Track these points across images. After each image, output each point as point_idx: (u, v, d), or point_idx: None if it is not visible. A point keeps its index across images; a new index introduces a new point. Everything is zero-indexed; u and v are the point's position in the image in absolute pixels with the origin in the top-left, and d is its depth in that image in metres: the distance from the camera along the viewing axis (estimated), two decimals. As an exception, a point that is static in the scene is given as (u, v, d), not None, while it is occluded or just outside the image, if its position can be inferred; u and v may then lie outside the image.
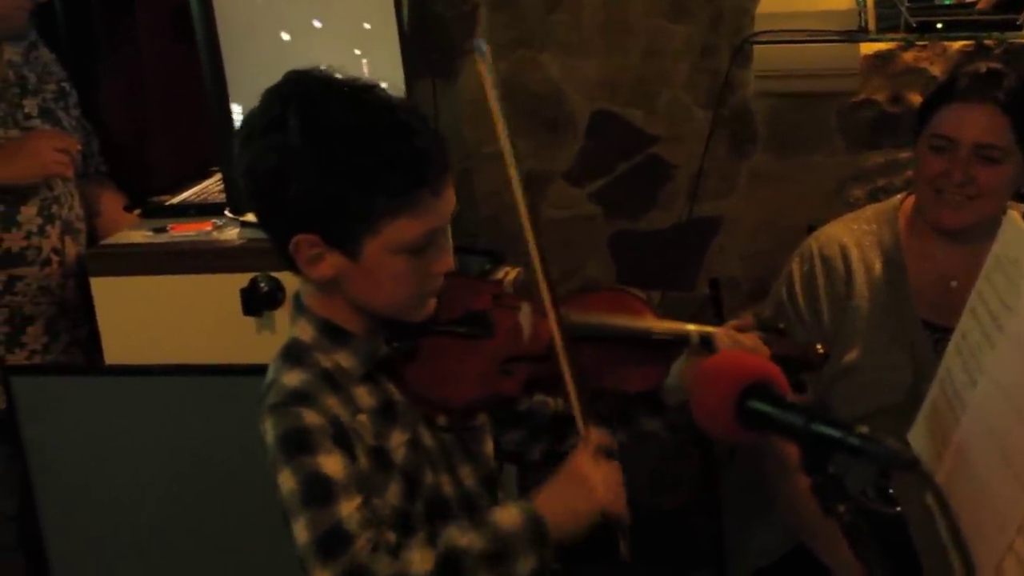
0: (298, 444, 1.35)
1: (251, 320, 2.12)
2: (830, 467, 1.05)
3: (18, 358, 2.41)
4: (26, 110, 2.42)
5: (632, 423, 1.62)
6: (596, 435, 1.43)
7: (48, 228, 2.41)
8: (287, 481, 1.34)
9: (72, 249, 2.47)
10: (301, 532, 1.32)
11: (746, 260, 3.05)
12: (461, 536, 1.35)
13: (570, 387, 1.45)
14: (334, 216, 1.35)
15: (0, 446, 2.38)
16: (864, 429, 1.03)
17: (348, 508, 1.32)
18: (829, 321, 2.10)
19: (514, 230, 2.94)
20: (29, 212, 2.38)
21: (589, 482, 1.38)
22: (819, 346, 1.62)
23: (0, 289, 2.37)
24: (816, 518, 1.21)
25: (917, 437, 1.56)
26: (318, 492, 1.32)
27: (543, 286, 1.46)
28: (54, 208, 2.42)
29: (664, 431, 1.61)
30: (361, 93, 1.38)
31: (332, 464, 1.34)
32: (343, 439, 1.37)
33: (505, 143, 1.45)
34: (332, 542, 1.31)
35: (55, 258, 2.43)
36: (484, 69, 1.45)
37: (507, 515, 1.37)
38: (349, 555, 1.30)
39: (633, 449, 1.65)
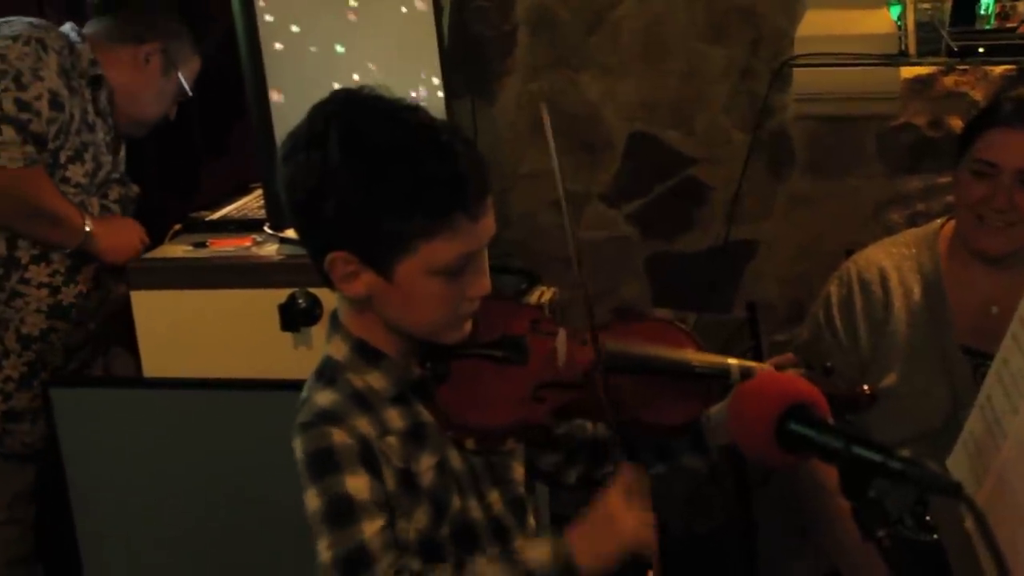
0: (325, 463, 1.35)
1: (288, 336, 2.14)
2: (871, 491, 1.04)
3: (22, 401, 2.45)
4: (107, 192, 2.51)
5: (672, 457, 1.60)
6: (630, 472, 1.41)
7: (93, 295, 2.48)
8: (312, 500, 1.35)
9: (100, 318, 2.54)
10: (324, 551, 1.32)
11: (783, 283, 3.03)
12: (488, 568, 1.35)
13: (609, 417, 1.43)
14: (369, 235, 1.35)
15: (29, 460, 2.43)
16: (906, 453, 1.02)
17: (371, 529, 1.32)
18: (867, 345, 2.08)
19: (549, 251, 2.97)
20: (87, 273, 2.45)
21: (619, 523, 1.37)
22: (866, 387, 1.59)
23: (37, 335, 2.42)
24: (853, 543, 1.20)
25: (956, 464, 1.54)
26: (342, 511, 1.33)
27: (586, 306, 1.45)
28: (102, 276, 2.49)
29: (705, 469, 1.60)
30: (403, 113, 1.37)
31: (357, 484, 1.34)
32: (370, 459, 1.37)
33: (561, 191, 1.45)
34: (354, 562, 1.31)
35: (89, 324, 2.51)
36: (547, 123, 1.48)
37: (537, 550, 1.37)
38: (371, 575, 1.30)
39: (668, 474, 1.64)
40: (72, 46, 2.39)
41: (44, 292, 2.39)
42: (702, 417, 1.54)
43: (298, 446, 1.38)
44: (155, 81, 2.55)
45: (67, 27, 2.47)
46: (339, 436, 1.36)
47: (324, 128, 1.35)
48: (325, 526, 1.33)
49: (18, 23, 2.35)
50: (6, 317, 2.38)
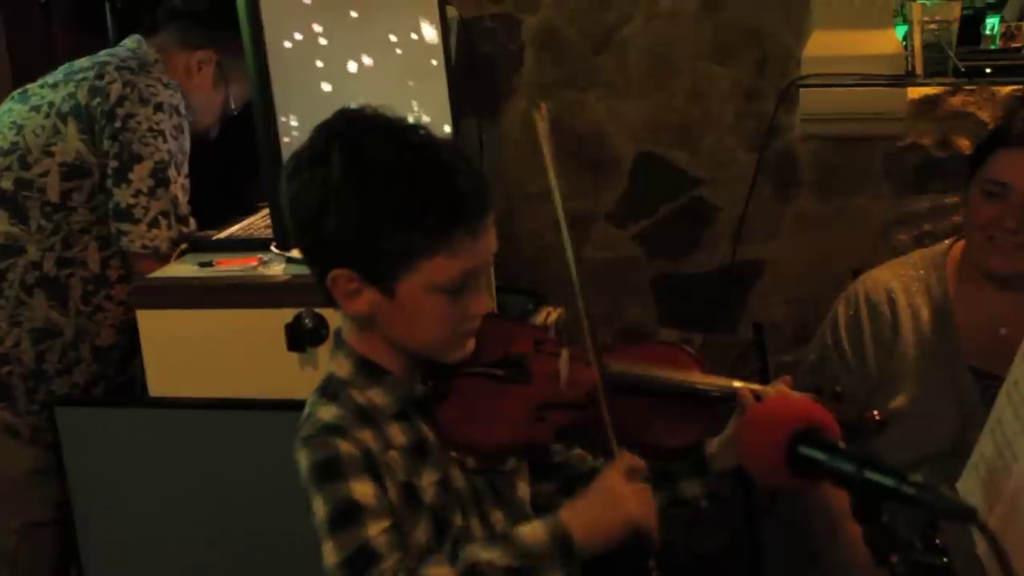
0: (329, 471, 1.36)
1: (294, 355, 2.13)
2: (884, 516, 1.03)
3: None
4: None
5: (672, 484, 1.58)
6: (629, 458, 1.41)
7: None
8: (319, 508, 1.35)
9: None
10: (330, 554, 1.33)
11: (790, 304, 3.02)
12: (484, 552, 1.34)
13: (604, 415, 1.42)
14: (370, 252, 1.37)
15: None
16: (919, 477, 1.01)
17: (375, 530, 1.32)
18: (874, 366, 2.07)
19: (555, 271, 2.96)
20: None
21: (620, 497, 1.37)
22: (875, 412, 1.58)
23: (106, 347, 2.46)
24: (863, 568, 1.19)
25: (967, 487, 1.53)
26: (347, 515, 1.33)
27: (584, 326, 1.44)
28: None
29: (704, 499, 1.58)
30: (404, 132, 1.40)
31: (362, 489, 1.35)
32: (374, 469, 1.38)
33: (557, 198, 1.45)
34: (359, 562, 1.31)
35: None
36: (542, 127, 1.47)
37: (532, 530, 1.36)
38: (376, 574, 1.30)
39: (669, 512, 1.61)
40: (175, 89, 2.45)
41: (121, 309, 2.45)
42: (705, 441, 1.53)
43: (303, 458, 1.39)
44: (203, 90, 2.56)
45: (134, 39, 2.51)
46: (344, 446, 1.37)
47: (327, 147, 1.37)
48: (331, 531, 1.33)
49: (138, 79, 2.38)
50: (87, 329, 2.43)
